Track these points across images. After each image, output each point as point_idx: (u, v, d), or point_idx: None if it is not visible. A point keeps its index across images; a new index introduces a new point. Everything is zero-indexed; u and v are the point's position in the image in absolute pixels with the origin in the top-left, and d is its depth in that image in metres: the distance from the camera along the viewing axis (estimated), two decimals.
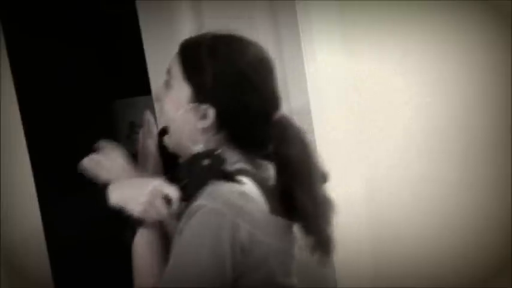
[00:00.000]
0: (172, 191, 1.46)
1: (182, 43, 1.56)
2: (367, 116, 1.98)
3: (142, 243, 1.49)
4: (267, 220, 1.45)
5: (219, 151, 1.47)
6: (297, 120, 1.85)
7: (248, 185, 1.45)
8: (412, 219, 2.03)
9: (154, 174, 1.57)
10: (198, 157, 1.47)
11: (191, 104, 1.49)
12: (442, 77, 1.94)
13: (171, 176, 1.51)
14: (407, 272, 2.06)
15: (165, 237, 1.50)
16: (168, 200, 1.45)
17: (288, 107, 1.92)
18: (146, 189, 1.46)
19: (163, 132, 1.56)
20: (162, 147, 1.57)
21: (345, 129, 1.95)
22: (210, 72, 1.48)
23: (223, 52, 1.50)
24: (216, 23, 1.90)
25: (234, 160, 1.49)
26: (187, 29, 1.95)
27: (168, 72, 1.54)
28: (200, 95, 1.48)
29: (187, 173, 1.48)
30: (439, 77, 1.94)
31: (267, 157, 1.52)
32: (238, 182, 1.44)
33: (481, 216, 2.01)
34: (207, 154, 1.47)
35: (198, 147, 1.49)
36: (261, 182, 1.48)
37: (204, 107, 1.48)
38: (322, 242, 1.51)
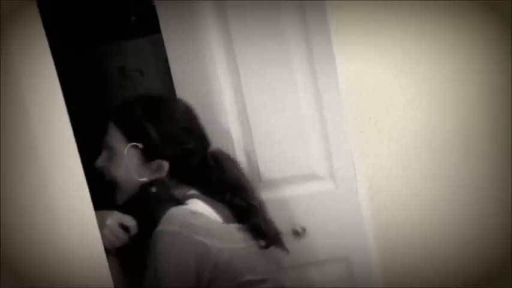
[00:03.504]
0: (128, 220, 1.65)
1: (115, 114, 1.72)
2: (367, 116, 1.98)
3: (111, 271, 1.59)
4: (222, 229, 1.64)
5: (163, 178, 1.69)
6: (330, 117, 1.89)
7: (198, 204, 1.65)
8: (412, 219, 2.03)
9: None
10: (145, 186, 1.67)
11: (144, 163, 1.68)
12: (442, 77, 1.94)
13: (126, 207, 1.69)
14: (407, 271, 2.06)
15: (131, 261, 1.68)
16: (125, 228, 1.65)
17: (319, 104, 1.92)
18: (105, 222, 1.62)
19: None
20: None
21: (345, 129, 1.95)
22: (155, 131, 1.67)
23: (159, 111, 1.70)
24: (242, 25, 1.89)
25: (183, 190, 1.71)
26: (211, 31, 1.92)
27: (107, 144, 1.72)
28: (150, 153, 1.68)
29: (140, 202, 1.67)
30: (439, 77, 1.94)
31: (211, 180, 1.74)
32: (188, 204, 1.65)
33: (481, 216, 2.01)
34: (152, 182, 1.67)
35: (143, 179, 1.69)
36: (209, 201, 1.68)
37: (157, 162, 1.68)
38: (273, 236, 1.74)
